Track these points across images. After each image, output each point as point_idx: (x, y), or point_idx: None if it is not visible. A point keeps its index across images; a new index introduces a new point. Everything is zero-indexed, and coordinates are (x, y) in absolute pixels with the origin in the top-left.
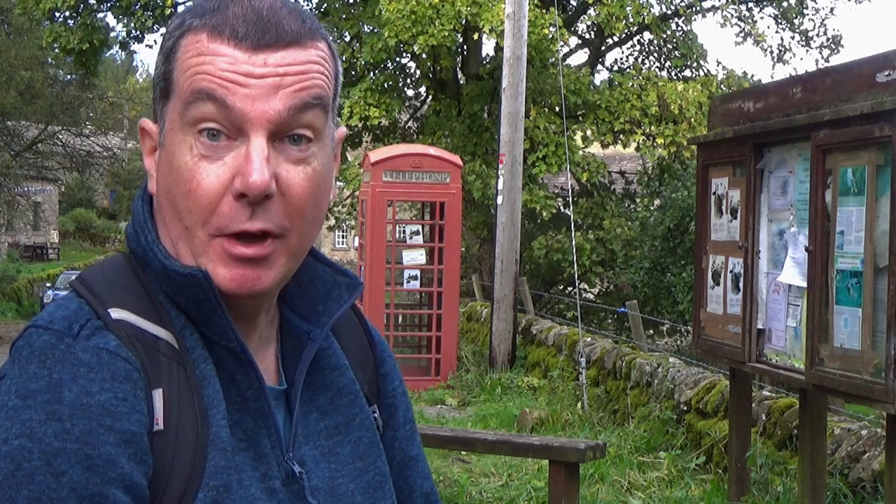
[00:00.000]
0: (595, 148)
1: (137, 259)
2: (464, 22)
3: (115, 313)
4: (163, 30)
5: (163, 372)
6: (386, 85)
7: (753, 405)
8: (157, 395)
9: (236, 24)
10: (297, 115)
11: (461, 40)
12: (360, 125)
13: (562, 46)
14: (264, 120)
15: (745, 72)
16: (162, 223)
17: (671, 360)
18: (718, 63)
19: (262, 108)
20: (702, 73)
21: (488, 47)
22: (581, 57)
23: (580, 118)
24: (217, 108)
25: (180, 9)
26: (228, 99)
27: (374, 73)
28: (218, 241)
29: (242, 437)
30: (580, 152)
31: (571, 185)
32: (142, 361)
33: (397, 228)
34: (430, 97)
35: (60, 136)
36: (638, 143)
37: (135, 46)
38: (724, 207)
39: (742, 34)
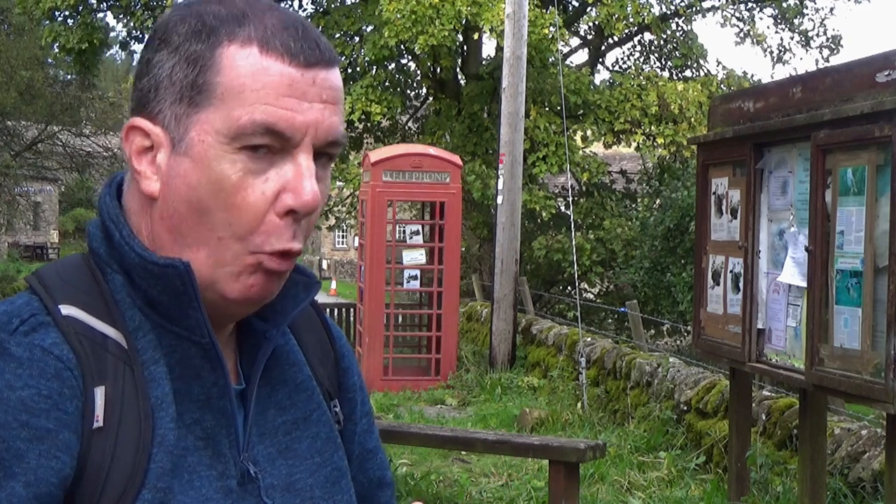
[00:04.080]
0: (597, 148)
1: (99, 258)
2: (464, 22)
3: (66, 310)
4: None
5: (108, 370)
6: (387, 83)
7: (753, 405)
8: (99, 393)
9: (285, 38)
10: (334, 139)
11: (461, 40)
12: (361, 126)
13: (562, 46)
14: (312, 141)
15: (745, 72)
16: (160, 224)
17: (671, 360)
18: (718, 63)
19: (312, 130)
20: (702, 73)
21: (488, 47)
22: (581, 57)
23: (580, 118)
24: (273, 136)
25: None
26: (288, 130)
27: (376, 70)
28: (255, 256)
29: (202, 435)
30: (580, 152)
31: (571, 185)
32: (85, 359)
33: (397, 228)
34: (431, 97)
35: (60, 136)
36: (638, 143)
37: (135, 46)
38: (724, 207)
39: (742, 34)
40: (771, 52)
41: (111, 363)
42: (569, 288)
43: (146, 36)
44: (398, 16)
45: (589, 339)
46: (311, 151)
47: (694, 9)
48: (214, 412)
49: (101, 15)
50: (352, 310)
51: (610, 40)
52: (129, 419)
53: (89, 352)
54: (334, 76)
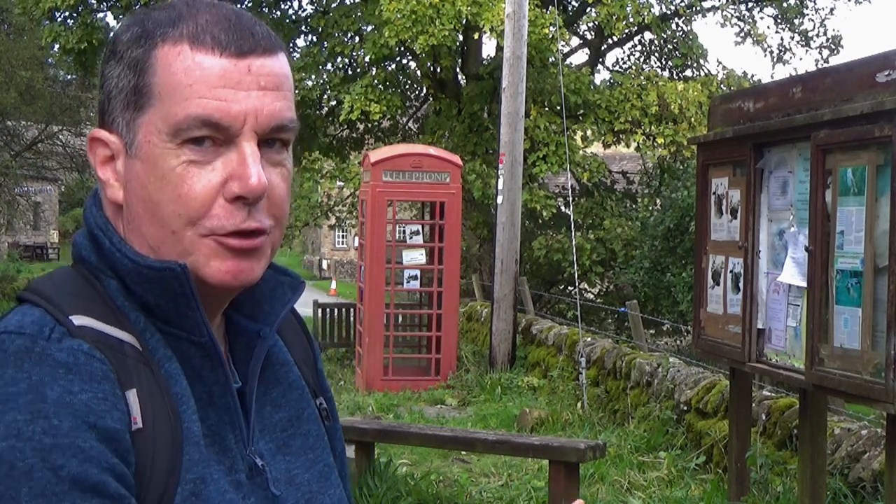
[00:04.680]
0: (597, 148)
1: (90, 266)
2: (464, 22)
3: (77, 320)
4: None
5: (132, 373)
6: (387, 83)
7: (753, 405)
8: (132, 396)
9: (216, 32)
10: (278, 124)
11: (461, 40)
12: (361, 126)
13: (562, 46)
14: (254, 129)
15: (745, 72)
16: (129, 230)
17: (671, 360)
18: (718, 63)
19: (252, 118)
20: (702, 73)
21: (488, 47)
22: (581, 57)
23: (580, 118)
24: (211, 127)
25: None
26: (224, 120)
27: (375, 70)
28: (210, 238)
29: (207, 432)
30: (580, 152)
31: (572, 185)
32: (112, 364)
33: (397, 228)
34: (431, 97)
35: (60, 137)
36: (638, 142)
37: None
38: (724, 207)
39: (742, 34)
40: (771, 52)
41: (132, 366)
42: (569, 288)
43: None
44: (398, 15)
45: (589, 339)
46: (254, 138)
47: (694, 9)
48: (217, 409)
49: (101, 15)
50: (352, 310)
51: (610, 40)
52: (160, 418)
53: (111, 358)
54: (274, 62)
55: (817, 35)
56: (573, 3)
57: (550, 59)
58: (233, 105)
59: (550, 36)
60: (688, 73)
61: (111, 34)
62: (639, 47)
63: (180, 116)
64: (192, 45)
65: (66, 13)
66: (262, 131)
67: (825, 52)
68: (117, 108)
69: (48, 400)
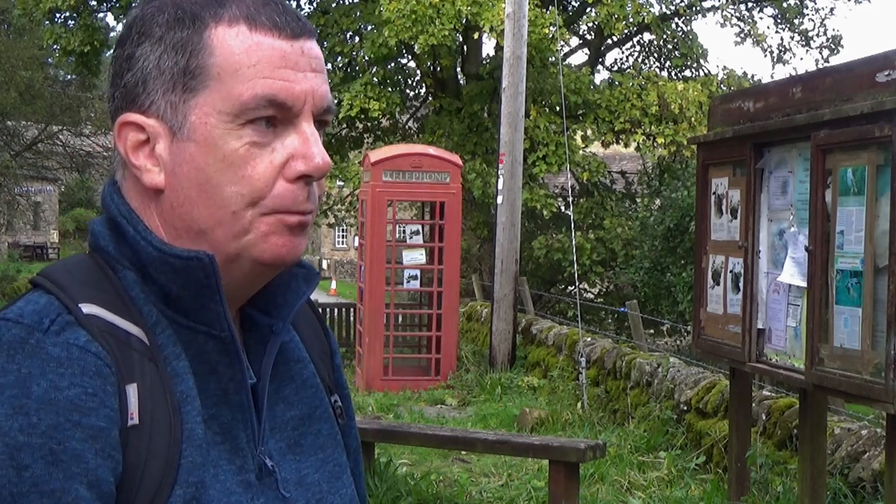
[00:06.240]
0: (597, 148)
1: (107, 256)
2: (464, 21)
3: (87, 308)
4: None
5: (135, 367)
6: (386, 81)
7: (753, 405)
8: (132, 390)
9: (269, 13)
10: (328, 105)
11: (461, 40)
12: (361, 126)
13: (562, 46)
14: (312, 108)
15: (745, 72)
16: (170, 216)
17: (671, 360)
18: (718, 63)
19: (310, 98)
20: (702, 73)
21: (488, 47)
22: (581, 57)
23: (580, 118)
24: (276, 107)
25: None
26: (289, 100)
27: (375, 69)
28: (270, 216)
29: (219, 430)
30: (580, 152)
31: (572, 185)
32: (114, 357)
33: (397, 228)
34: (431, 96)
35: (60, 137)
36: (638, 142)
37: None
38: (724, 207)
39: (742, 34)
40: (771, 52)
41: (137, 360)
42: (569, 288)
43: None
44: (398, 15)
45: (589, 339)
46: (311, 119)
47: (694, 9)
48: (232, 407)
49: (101, 15)
50: (352, 310)
51: (610, 40)
52: (160, 416)
53: (116, 350)
54: (316, 47)
55: (817, 35)
56: (573, 3)
57: (550, 59)
58: (295, 85)
59: (550, 36)
60: (687, 73)
61: (133, 18)
62: (638, 47)
63: (247, 96)
64: (249, 26)
65: (67, 14)
66: (318, 112)
67: (825, 52)
68: (157, 90)
69: (32, 396)
